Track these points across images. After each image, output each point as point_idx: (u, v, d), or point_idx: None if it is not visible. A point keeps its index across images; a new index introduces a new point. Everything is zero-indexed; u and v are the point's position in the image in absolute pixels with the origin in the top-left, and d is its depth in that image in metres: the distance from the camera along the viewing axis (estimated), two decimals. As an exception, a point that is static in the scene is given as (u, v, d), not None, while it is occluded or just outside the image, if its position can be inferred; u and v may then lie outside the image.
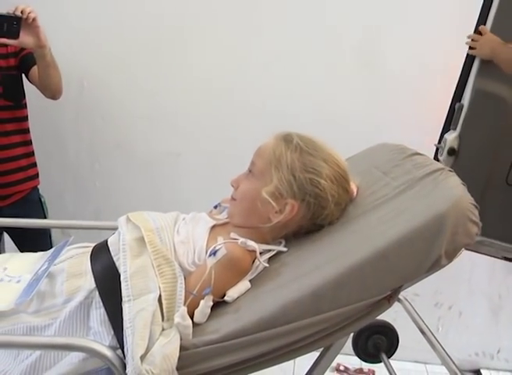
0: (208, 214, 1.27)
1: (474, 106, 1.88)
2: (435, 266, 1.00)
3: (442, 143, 1.96)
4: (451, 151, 1.85)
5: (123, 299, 1.02)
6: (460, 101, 1.94)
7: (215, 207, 1.31)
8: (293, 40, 2.14)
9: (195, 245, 1.13)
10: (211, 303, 1.05)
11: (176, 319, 1.00)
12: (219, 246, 1.08)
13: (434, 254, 0.99)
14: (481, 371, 2.40)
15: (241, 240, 1.10)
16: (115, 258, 1.11)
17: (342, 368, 2.33)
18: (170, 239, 1.13)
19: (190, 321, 1.01)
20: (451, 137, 1.91)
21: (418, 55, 2.13)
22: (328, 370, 2.25)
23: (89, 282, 1.10)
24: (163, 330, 1.01)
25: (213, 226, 1.19)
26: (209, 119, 2.25)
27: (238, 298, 1.08)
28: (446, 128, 1.99)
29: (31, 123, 2.00)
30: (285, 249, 1.15)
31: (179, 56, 2.19)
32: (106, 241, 1.18)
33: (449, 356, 1.26)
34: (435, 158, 1.92)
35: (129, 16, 2.15)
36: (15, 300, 1.09)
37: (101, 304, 1.06)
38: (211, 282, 1.03)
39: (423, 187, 1.08)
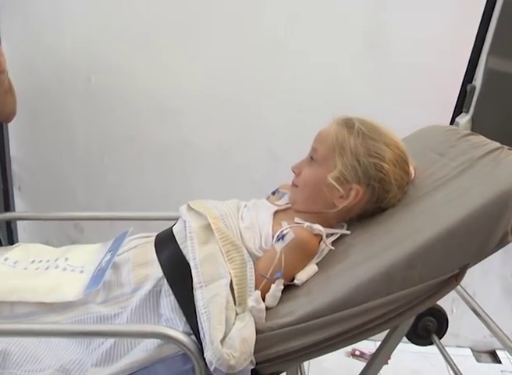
0: (266, 200, 1.28)
1: (487, 87, 1.83)
2: (501, 242, 1.01)
3: (454, 126, 1.94)
4: (464, 135, 1.83)
5: (195, 286, 1.04)
6: (471, 82, 1.91)
7: (273, 193, 1.33)
8: (299, 27, 2.13)
9: (261, 231, 1.14)
10: (282, 287, 1.06)
11: (251, 303, 1.02)
12: (286, 230, 1.10)
13: (500, 231, 1.00)
14: (497, 351, 2.41)
15: (307, 224, 1.12)
16: (181, 247, 1.13)
17: (357, 353, 2.34)
18: (236, 225, 1.14)
19: (264, 305, 1.02)
20: (464, 120, 1.88)
21: (425, 38, 2.10)
22: (343, 355, 2.29)
23: (156, 271, 1.11)
24: (237, 314, 1.02)
25: (276, 212, 1.21)
26: (217, 108, 2.25)
27: (307, 281, 1.09)
28: (458, 111, 1.95)
29: (40, 118, 1.94)
30: (348, 232, 1.16)
31: (186, 48, 2.18)
32: (170, 230, 1.19)
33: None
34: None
35: (135, 9, 2.14)
36: (83, 290, 1.11)
37: (171, 292, 1.08)
38: (282, 266, 1.05)
39: (484, 166, 1.09)
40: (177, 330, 1.00)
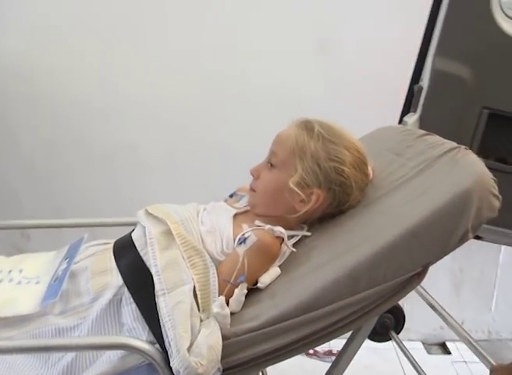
0: (223, 202, 1.27)
1: (434, 87, 1.87)
2: (462, 240, 1.03)
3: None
4: (412, 134, 1.87)
5: (157, 293, 1.01)
6: (418, 82, 1.95)
7: (231, 196, 1.31)
8: (250, 30, 2.12)
9: (222, 234, 1.12)
10: (246, 291, 1.05)
11: (215, 309, 1.00)
12: (248, 233, 1.08)
13: (461, 229, 1.02)
14: (447, 343, 2.47)
15: (268, 226, 1.11)
16: (141, 253, 1.10)
17: (311, 351, 2.34)
18: (196, 230, 1.12)
19: (229, 310, 1.01)
20: (412, 119, 1.91)
21: (374, 41, 2.13)
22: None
23: (116, 279, 1.08)
24: (201, 321, 1.00)
25: (235, 215, 1.19)
26: (166, 110, 2.20)
27: (270, 284, 1.08)
28: (406, 111, 2.00)
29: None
30: (309, 234, 1.16)
31: (131, 48, 2.12)
32: (128, 237, 1.16)
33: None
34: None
35: (77, 10, 2.07)
36: (39, 302, 1.06)
37: (132, 300, 1.04)
38: (245, 269, 1.03)
39: (442, 166, 1.11)
40: (141, 339, 0.97)
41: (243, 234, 1.09)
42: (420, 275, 1.06)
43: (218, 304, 1.00)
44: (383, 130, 1.41)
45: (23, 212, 2.29)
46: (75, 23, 2.07)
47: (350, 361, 1.18)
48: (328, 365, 1.25)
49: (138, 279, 1.06)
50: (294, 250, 1.12)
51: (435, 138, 1.24)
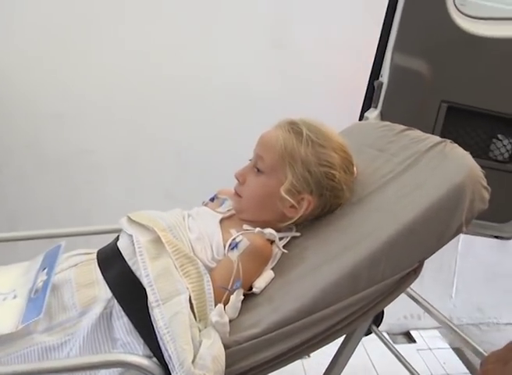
0: (206, 207, 1.22)
1: (394, 83, 1.92)
2: (456, 233, 1.04)
3: (363, 121, 2.00)
4: (373, 129, 1.89)
5: (151, 305, 0.96)
6: (377, 78, 1.99)
7: (212, 199, 1.27)
8: (200, 23, 2.07)
9: (211, 241, 1.09)
10: (242, 297, 1.01)
11: (214, 318, 0.96)
12: (239, 238, 1.05)
13: (456, 222, 1.02)
14: (411, 332, 2.52)
15: (257, 229, 1.08)
16: (129, 263, 1.04)
17: None
18: (186, 237, 1.08)
19: (227, 318, 0.97)
20: (373, 115, 1.94)
21: (331, 37, 2.14)
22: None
23: (104, 291, 1.02)
24: (199, 331, 0.97)
25: (221, 220, 1.15)
26: (121, 113, 2.13)
27: (265, 288, 1.05)
28: (366, 106, 2.02)
29: None
30: (298, 234, 1.14)
31: (81, 49, 2.04)
32: (114, 246, 1.10)
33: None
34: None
35: (31, 5, 1.96)
36: (20, 319, 0.99)
37: (123, 313, 0.99)
38: (240, 275, 1.00)
39: (431, 160, 1.11)
40: (139, 355, 0.93)
41: (234, 239, 1.06)
42: (416, 271, 1.05)
43: (216, 312, 0.97)
44: (360, 125, 1.41)
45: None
46: (26, 23, 1.96)
47: (347, 361, 1.16)
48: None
49: (128, 291, 1.01)
50: (286, 251, 1.09)
51: (417, 133, 1.24)
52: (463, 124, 2.04)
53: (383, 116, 1.94)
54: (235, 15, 2.09)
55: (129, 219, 1.13)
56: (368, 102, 1.99)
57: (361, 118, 1.99)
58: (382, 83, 1.92)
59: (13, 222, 2.13)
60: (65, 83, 2.04)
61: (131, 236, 1.07)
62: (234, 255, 1.03)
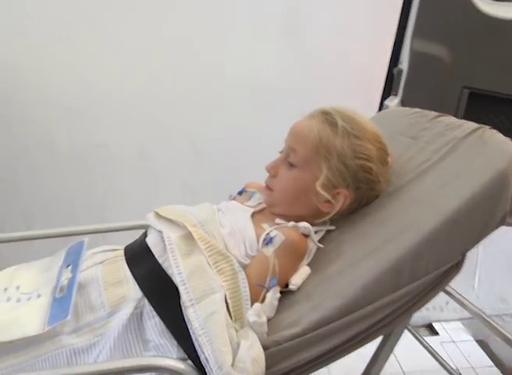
0: (235, 201, 1.18)
1: (414, 69, 1.89)
2: (501, 222, 0.99)
3: (383, 109, 1.96)
4: (394, 117, 1.85)
5: (185, 304, 0.92)
6: (397, 65, 1.95)
7: (240, 193, 1.22)
8: (214, 15, 2.01)
9: (244, 236, 1.04)
10: (279, 295, 0.97)
11: (252, 318, 0.92)
12: (274, 233, 1.00)
13: (500, 211, 0.97)
14: (433, 324, 2.48)
15: (291, 223, 1.04)
16: (160, 261, 1.00)
17: None
18: (218, 232, 1.03)
19: (265, 318, 0.93)
20: (393, 102, 1.91)
21: (345, 24, 2.08)
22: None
23: (133, 290, 0.98)
24: (236, 331, 0.92)
25: (252, 214, 1.11)
26: (134, 106, 2.08)
27: (302, 284, 1.00)
28: (386, 94, 1.99)
29: None
30: (333, 227, 1.09)
31: (98, 40, 1.98)
32: (142, 242, 1.05)
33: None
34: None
35: (38, 6, 1.91)
36: (46, 320, 0.95)
37: (154, 313, 0.95)
38: (277, 271, 0.95)
39: (470, 147, 1.06)
40: (171, 357, 0.88)
41: (268, 234, 1.01)
42: (458, 264, 1.00)
43: (254, 312, 0.92)
44: (388, 113, 1.36)
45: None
46: (36, 12, 1.91)
47: (387, 359, 1.11)
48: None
49: (160, 289, 0.97)
50: (321, 246, 1.04)
51: (451, 119, 1.19)
52: (485, 110, 2.00)
53: (403, 104, 1.91)
54: (248, 5, 2.03)
55: (157, 214, 1.09)
56: (388, 90, 1.96)
57: (381, 106, 1.96)
58: (401, 71, 1.88)
59: (28, 217, 2.09)
60: (79, 76, 1.99)
61: (160, 232, 1.03)
62: (269, 251, 0.98)
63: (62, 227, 1.36)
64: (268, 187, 1.11)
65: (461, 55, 1.93)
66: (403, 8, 1.91)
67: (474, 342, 2.30)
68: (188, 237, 1.00)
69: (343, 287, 0.94)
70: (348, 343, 0.95)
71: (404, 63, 1.88)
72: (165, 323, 0.93)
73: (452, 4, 1.89)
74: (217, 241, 1.01)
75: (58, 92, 1.98)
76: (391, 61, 1.95)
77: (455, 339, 2.32)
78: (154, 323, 0.94)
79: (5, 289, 1.04)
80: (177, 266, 0.96)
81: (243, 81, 2.09)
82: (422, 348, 1.47)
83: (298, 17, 2.07)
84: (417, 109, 1.27)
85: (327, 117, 1.06)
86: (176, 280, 0.94)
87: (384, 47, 1.96)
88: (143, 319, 0.95)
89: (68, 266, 1.05)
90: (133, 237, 1.16)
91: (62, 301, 0.97)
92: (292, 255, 1.00)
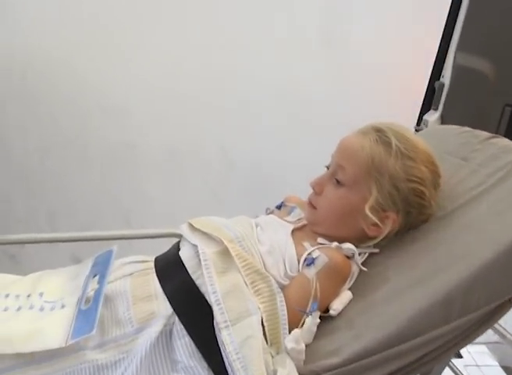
0: (275, 217, 1.12)
1: (457, 84, 1.85)
2: None
3: (422, 124, 1.90)
4: (434, 133, 1.80)
5: (219, 326, 0.86)
6: (438, 79, 1.90)
7: (278, 207, 1.17)
8: (252, 24, 1.98)
9: (283, 255, 0.98)
10: (319, 320, 0.91)
11: (290, 344, 0.86)
12: (316, 253, 0.94)
13: None
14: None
15: (334, 243, 0.98)
16: (193, 277, 0.94)
17: None
18: (256, 249, 0.97)
19: (304, 345, 0.87)
20: (433, 117, 1.86)
21: (385, 37, 2.03)
22: None
23: (164, 306, 0.92)
24: (272, 357, 0.86)
25: (292, 231, 1.04)
26: (165, 107, 2.06)
27: (343, 310, 0.94)
28: (426, 109, 1.94)
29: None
30: (377, 250, 1.03)
31: (133, 41, 1.97)
32: (175, 255, 1.00)
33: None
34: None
35: (74, 3, 1.89)
36: (70, 333, 0.90)
37: (185, 332, 0.89)
38: (318, 295, 0.89)
39: (529, 173, 0.99)
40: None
41: (309, 254, 0.95)
42: (511, 298, 0.93)
43: (293, 338, 0.87)
44: (437, 130, 1.29)
45: (15, 217, 2.10)
46: (74, 10, 1.88)
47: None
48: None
49: (192, 308, 0.92)
50: (365, 270, 0.98)
51: (504, 141, 1.12)
52: (527, 130, 1.94)
53: (443, 119, 1.86)
54: (283, 9, 1.98)
55: (191, 226, 1.03)
56: (428, 104, 1.91)
57: (420, 120, 1.91)
58: (443, 85, 1.84)
59: (53, 216, 2.07)
60: (109, 77, 1.96)
61: (195, 246, 0.97)
62: (311, 273, 0.92)
63: (86, 231, 1.31)
64: (312, 205, 1.04)
65: (505, 71, 1.88)
66: (447, 20, 1.87)
67: (500, 368, 2.23)
68: (224, 253, 0.95)
69: (388, 318, 0.89)
70: (389, 377, 0.88)
71: (446, 77, 1.83)
72: (195, 343, 0.88)
73: (499, 19, 1.84)
74: (255, 259, 0.95)
75: (88, 92, 1.95)
76: (432, 74, 1.91)
77: (479, 363, 2.24)
78: (184, 343, 0.89)
79: (28, 295, 1.00)
80: (212, 284, 0.90)
81: (280, 92, 2.05)
82: (447, 369, 1.41)
83: (338, 29, 2.02)
84: (467, 128, 1.20)
85: (380, 135, 1.00)
86: (211, 299, 0.89)
87: (425, 60, 1.91)
88: (172, 338, 0.90)
89: (95, 276, 1.00)
90: (159, 243, 1.10)
91: (87, 314, 0.92)
92: (335, 278, 0.95)
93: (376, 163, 0.98)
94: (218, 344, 0.86)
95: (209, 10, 1.94)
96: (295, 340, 0.86)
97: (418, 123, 1.90)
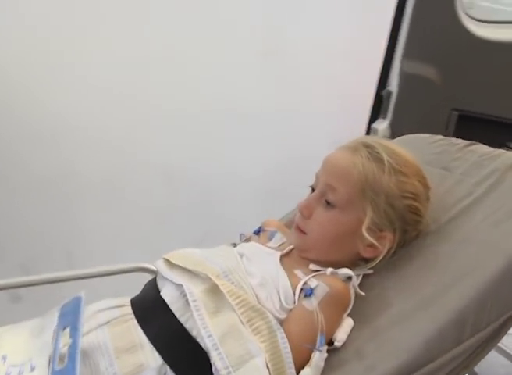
0: (258, 244, 1.04)
1: (404, 91, 1.86)
2: None
3: (371, 133, 1.90)
4: (384, 141, 1.81)
5: (220, 373, 0.77)
6: (385, 87, 1.90)
7: (257, 233, 1.09)
8: (187, 32, 1.90)
9: (277, 286, 0.90)
10: (326, 354, 0.83)
11: None
12: (314, 283, 0.87)
13: None
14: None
15: (329, 269, 0.91)
16: (181, 320, 0.85)
17: None
18: (246, 283, 0.89)
19: None
20: (382, 126, 1.86)
21: (327, 42, 1.99)
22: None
23: (152, 357, 0.82)
24: None
25: (280, 258, 0.97)
26: (100, 131, 1.94)
27: (347, 339, 0.87)
28: (374, 117, 1.93)
29: None
30: (371, 271, 0.97)
31: (61, 63, 1.84)
32: (155, 298, 0.90)
33: None
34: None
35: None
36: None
37: None
38: (324, 328, 0.82)
39: (518, 180, 0.96)
40: None
41: (306, 284, 0.88)
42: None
43: None
44: (410, 140, 1.24)
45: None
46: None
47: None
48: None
49: (184, 356, 0.82)
50: (363, 294, 0.92)
51: (484, 148, 1.10)
52: (473, 133, 1.96)
53: (392, 127, 1.85)
54: (222, 23, 1.92)
55: (168, 261, 0.94)
56: (376, 113, 1.89)
57: (369, 129, 1.89)
58: (390, 93, 1.82)
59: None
60: (44, 99, 1.82)
61: (179, 285, 0.88)
62: (312, 304, 0.85)
63: (24, 277, 1.18)
64: (301, 230, 0.97)
65: (451, 77, 1.90)
66: (392, 29, 1.86)
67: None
68: (213, 290, 0.86)
69: (401, 343, 0.82)
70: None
71: (393, 85, 1.82)
72: None
73: (443, 26, 1.86)
74: (247, 293, 0.87)
75: (14, 116, 1.80)
76: (379, 83, 1.89)
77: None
78: (179, 396, 0.79)
79: (-10, 361, 0.86)
80: (205, 327, 0.81)
81: (219, 106, 1.97)
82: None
83: (279, 37, 1.97)
84: (440, 136, 1.17)
85: (370, 151, 0.94)
86: (206, 343, 0.80)
87: (371, 69, 1.89)
88: (167, 391, 0.80)
89: (65, 329, 0.88)
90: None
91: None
92: (337, 307, 0.88)
93: (370, 181, 0.92)
94: None
95: (143, 18, 1.85)
96: (306, 381, 0.79)
97: (368, 132, 1.88)
